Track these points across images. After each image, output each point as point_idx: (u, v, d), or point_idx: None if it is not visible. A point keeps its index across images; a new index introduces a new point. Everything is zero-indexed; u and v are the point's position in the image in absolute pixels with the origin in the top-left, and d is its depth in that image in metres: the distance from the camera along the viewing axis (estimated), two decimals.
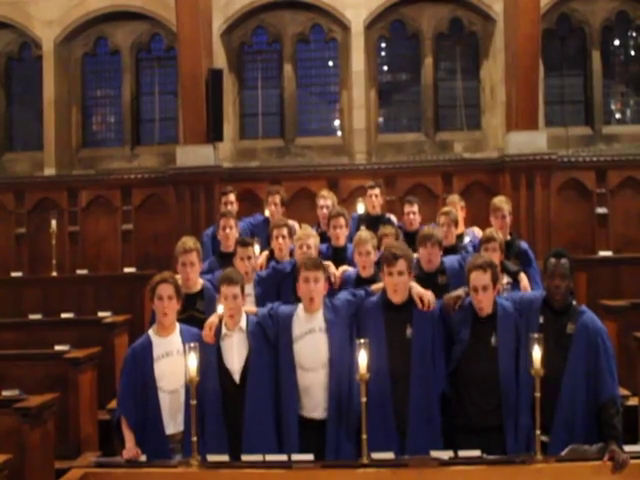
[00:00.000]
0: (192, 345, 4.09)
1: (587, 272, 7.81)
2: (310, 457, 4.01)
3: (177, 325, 4.58)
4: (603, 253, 8.68)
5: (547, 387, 4.03)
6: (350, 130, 10.67)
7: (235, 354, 4.37)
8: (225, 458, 4.08)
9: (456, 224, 6.24)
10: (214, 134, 9.94)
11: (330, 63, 11.12)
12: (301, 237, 5.44)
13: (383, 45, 11.03)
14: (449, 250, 5.78)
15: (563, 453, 4.03)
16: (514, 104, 9.66)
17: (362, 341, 4.00)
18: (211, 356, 4.32)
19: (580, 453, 3.98)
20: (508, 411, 4.29)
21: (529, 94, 9.54)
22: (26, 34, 11.02)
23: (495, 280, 4.42)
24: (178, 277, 5.03)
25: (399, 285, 4.45)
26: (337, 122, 11.04)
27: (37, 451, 4.99)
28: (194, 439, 4.06)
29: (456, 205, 7.00)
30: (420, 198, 9.66)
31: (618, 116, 10.91)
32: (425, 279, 5.06)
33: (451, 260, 5.45)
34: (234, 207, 7.09)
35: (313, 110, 11.18)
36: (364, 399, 3.97)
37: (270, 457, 4.03)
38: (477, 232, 6.72)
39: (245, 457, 4.07)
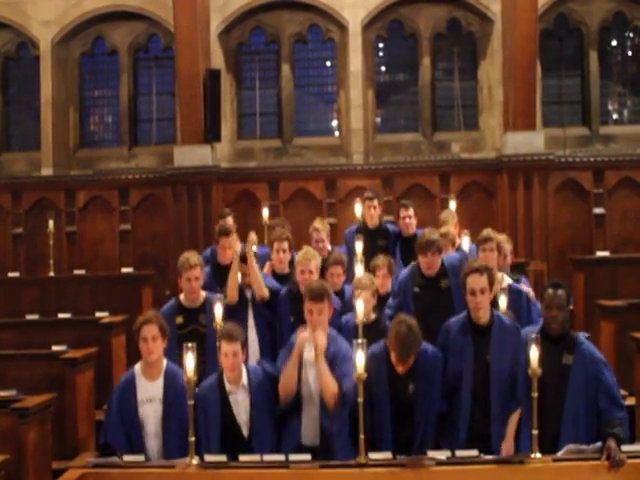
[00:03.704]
0: (190, 345, 4.12)
1: (584, 272, 7.81)
2: (308, 457, 4.02)
3: (164, 366, 4.52)
4: (600, 253, 8.67)
5: (549, 416, 4.08)
6: (348, 130, 10.68)
7: (242, 410, 4.38)
8: (223, 458, 4.09)
9: (453, 244, 6.23)
10: (212, 134, 9.95)
11: (328, 63, 11.14)
12: (301, 262, 5.32)
13: (381, 45, 11.04)
14: None
15: (560, 453, 4.04)
16: (512, 104, 9.67)
17: (360, 341, 4.01)
18: (217, 410, 4.33)
19: (577, 453, 3.99)
20: (495, 422, 4.35)
21: (527, 94, 9.55)
22: (24, 34, 11.02)
23: (492, 284, 4.49)
24: (182, 294, 5.25)
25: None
26: (335, 122, 11.05)
27: (34, 451, 4.98)
28: (192, 439, 4.07)
29: (449, 223, 6.91)
30: (417, 198, 9.83)
31: (615, 116, 10.92)
32: (427, 284, 5.07)
33: (451, 259, 5.47)
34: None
35: (311, 110, 11.19)
36: (361, 399, 3.98)
37: (268, 457, 4.03)
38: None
39: (243, 457, 4.08)
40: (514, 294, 5.31)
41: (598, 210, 9.84)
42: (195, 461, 4.04)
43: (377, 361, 4.35)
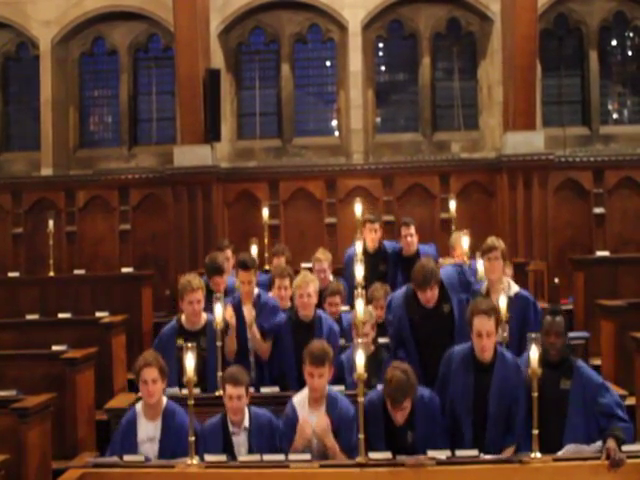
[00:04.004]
0: (189, 345, 4.12)
1: (584, 272, 7.80)
2: (307, 457, 4.02)
3: (163, 405, 4.53)
4: (600, 253, 8.67)
5: (549, 441, 4.08)
6: (347, 130, 10.67)
7: (243, 452, 4.39)
8: (223, 458, 4.09)
9: None
10: (212, 134, 9.94)
11: (328, 63, 11.12)
12: (300, 285, 5.33)
13: (381, 45, 11.03)
14: None
15: (560, 453, 4.04)
16: (511, 104, 9.66)
17: (360, 340, 4.02)
18: (219, 450, 4.32)
19: (577, 453, 3.99)
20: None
21: (526, 94, 9.55)
22: (24, 34, 11.01)
23: (498, 325, 4.51)
24: (183, 316, 5.31)
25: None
26: (334, 122, 11.03)
27: (34, 451, 4.98)
28: (192, 439, 4.07)
29: (457, 247, 6.76)
30: (417, 198, 9.89)
31: (615, 116, 10.92)
32: (428, 313, 5.05)
33: (449, 275, 5.36)
34: (229, 263, 6.76)
35: (311, 110, 11.18)
36: (361, 399, 3.99)
37: (268, 457, 4.04)
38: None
39: (242, 457, 4.08)
40: (521, 301, 5.27)
41: (598, 210, 9.84)
42: (195, 461, 4.05)
43: (375, 410, 4.32)
